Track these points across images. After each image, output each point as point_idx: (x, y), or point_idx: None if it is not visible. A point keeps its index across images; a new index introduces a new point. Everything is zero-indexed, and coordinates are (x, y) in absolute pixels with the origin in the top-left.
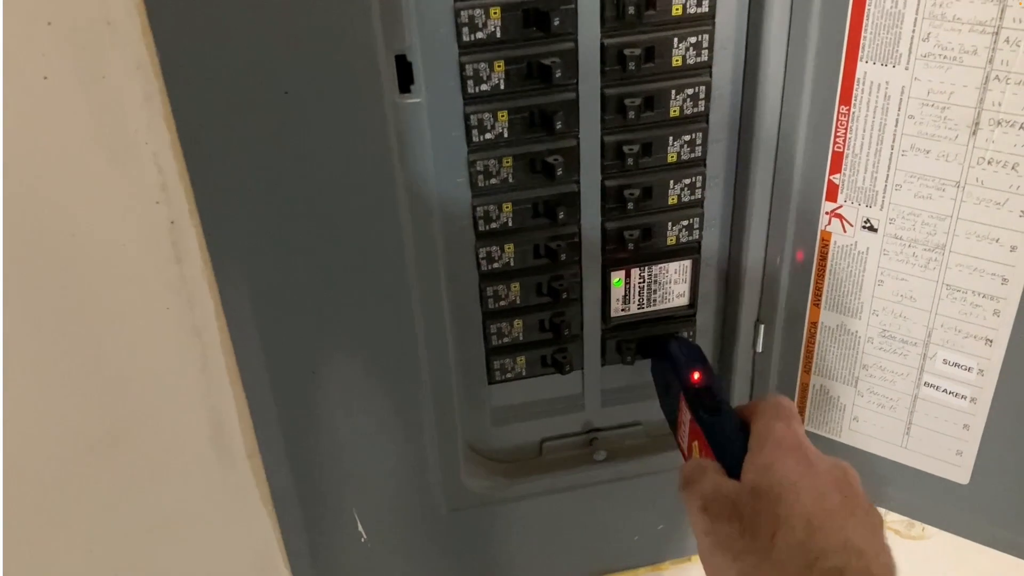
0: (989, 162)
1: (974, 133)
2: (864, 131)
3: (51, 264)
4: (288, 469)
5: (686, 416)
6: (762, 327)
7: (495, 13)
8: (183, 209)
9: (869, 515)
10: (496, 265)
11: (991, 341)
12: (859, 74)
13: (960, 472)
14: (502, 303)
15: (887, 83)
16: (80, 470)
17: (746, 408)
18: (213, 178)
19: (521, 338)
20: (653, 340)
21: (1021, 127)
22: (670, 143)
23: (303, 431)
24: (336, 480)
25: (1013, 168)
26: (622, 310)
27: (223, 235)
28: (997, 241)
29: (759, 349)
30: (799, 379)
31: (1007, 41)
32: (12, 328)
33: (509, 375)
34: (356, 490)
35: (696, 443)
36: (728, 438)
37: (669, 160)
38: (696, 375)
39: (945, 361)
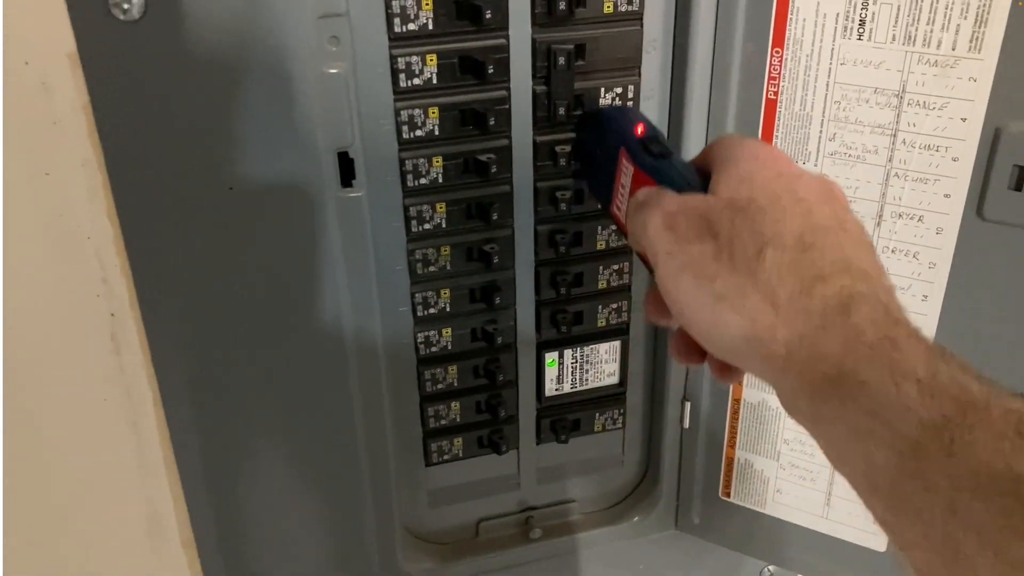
0: (893, 251)
1: (878, 224)
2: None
3: None
4: (223, 558)
5: (627, 174)
6: (688, 404)
7: (433, 112)
8: (123, 301)
9: (863, 234)
10: (434, 349)
11: None
12: None
13: (878, 540)
14: (440, 386)
15: None
16: (12, 558)
17: (701, 154)
18: (155, 272)
19: (458, 420)
20: (584, 114)
21: (919, 219)
22: (599, 233)
23: (239, 520)
24: (271, 568)
25: (914, 256)
26: (556, 390)
27: (163, 327)
28: None
29: (686, 425)
30: (724, 453)
31: (904, 142)
32: None
33: (446, 456)
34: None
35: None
36: (684, 178)
37: (598, 248)
38: (640, 127)
39: None
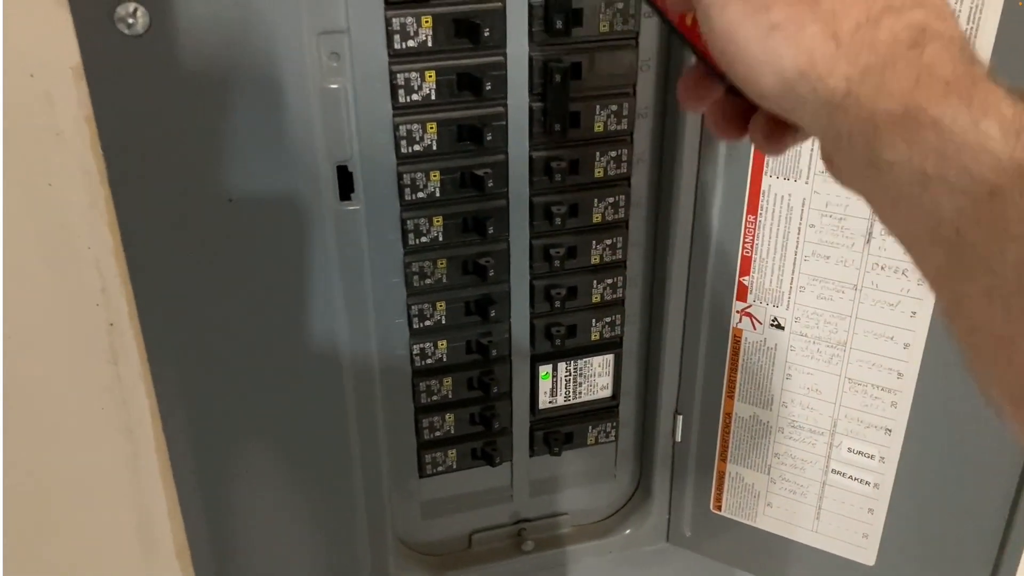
0: (882, 268)
1: (868, 241)
2: (770, 238)
3: None
4: (217, 568)
5: None
6: (680, 418)
7: (431, 127)
8: (122, 312)
9: None
10: (429, 361)
11: (890, 431)
12: (764, 187)
13: (866, 554)
14: (434, 398)
15: (790, 195)
16: (6, 564)
17: None
18: (154, 282)
19: (452, 431)
20: None
21: None
22: (593, 247)
23: (233, 530)
24: None
25: (903, 273)
26: (549, 402)
27: (161, 338)
28: (892, 339)
29: (678, 439)
30: (716, 467)
31: None
32: None
33: (440, 468)
34: None
35: None
36: None
37: (593, 262)
38: None
39: (850, 449)
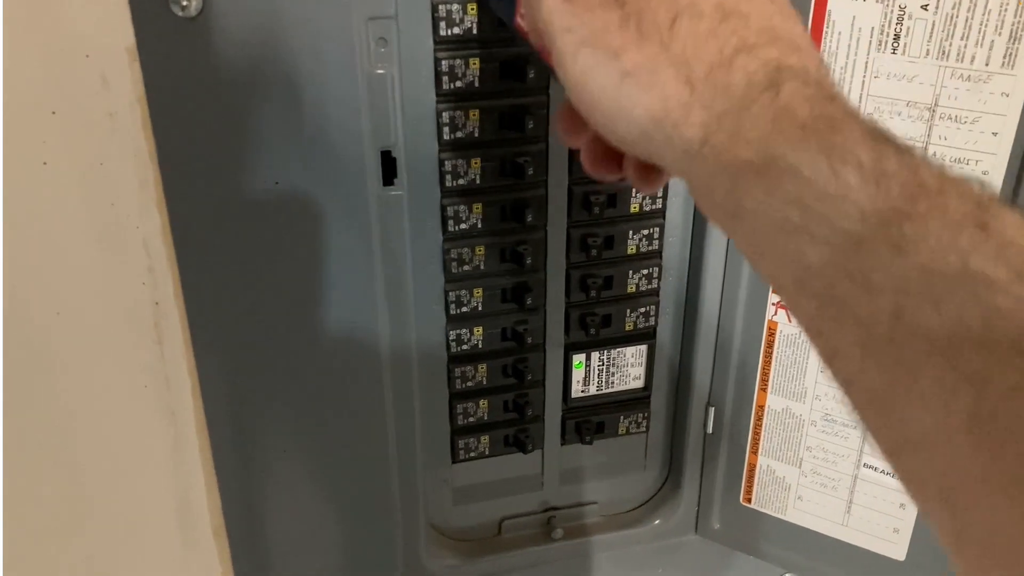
0: None
1: None
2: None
3: (33, 340)
4: (252, 547)
5: None
6: (712, 410)
7: (474, 114)
8: (168, 292)
9: (789, 6)
10: (465, 347)
11: None
12: None
13: (897, 549)
14: (469, 384)
15: None
16: (44, 545)
17: None
18: (199, 263)
19: (486, 418)
20: None
21: None
22: (630, 236)
23: (269, 510)
24: (298, 556)
25: None
26: (582, 391)
27: (206, 318)
28: None
29: (710, 430)
30: (747, 459)
31: (934, 155)
32: None
33: (473, 454)
34: (318, 569)
35: None
36: None
37: (629, 252)
38: None
39: None
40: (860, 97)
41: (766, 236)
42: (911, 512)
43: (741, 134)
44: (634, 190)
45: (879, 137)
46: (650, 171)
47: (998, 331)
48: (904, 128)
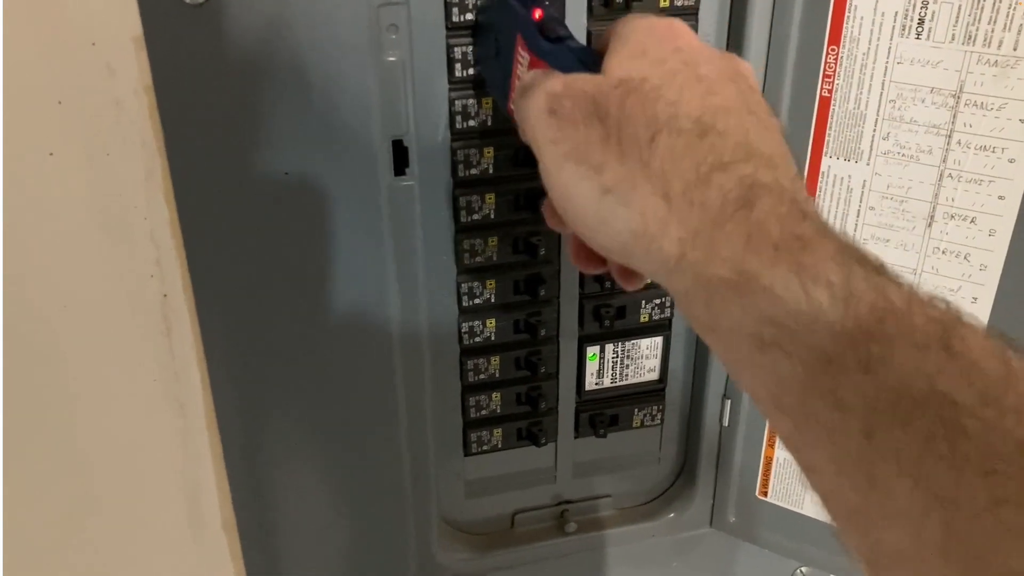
0: (943, 252)
1: (929, 225)
2: (828, 220)
3: (40, 334)
4: (262, 541)
5: (523, 63)
6: (729, 402)
7: (487, 102)
8: (176, 284)
9: (769, 116)
10: (478, 339)
11: None
12: (823, 168)
13: None
14: (482, 376)
15: (850, 177)
16: (52, 539)
17: (602, 36)
18: (209, 254)
19: (499, 410)
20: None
21: (972, 221)
22: None
23: (279, 504)
24: (309, 550)
25: (965, 258)
26: (596, 384)
27: (215, 311)
28: None
29: (725, 423)
30: (763, 453)
31: (959, 143)
32: None
33: (485, 447)
34: (329, 563)
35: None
36: (581, 62)
37: None
38: (538, 13)
39: None
40: (882, 84)
41: (742, 351)
42: None
43: (716, 251)
44: None
45: (850, 255)
46: (632, 272)
47: (965, 453)
48: (928, 115)
